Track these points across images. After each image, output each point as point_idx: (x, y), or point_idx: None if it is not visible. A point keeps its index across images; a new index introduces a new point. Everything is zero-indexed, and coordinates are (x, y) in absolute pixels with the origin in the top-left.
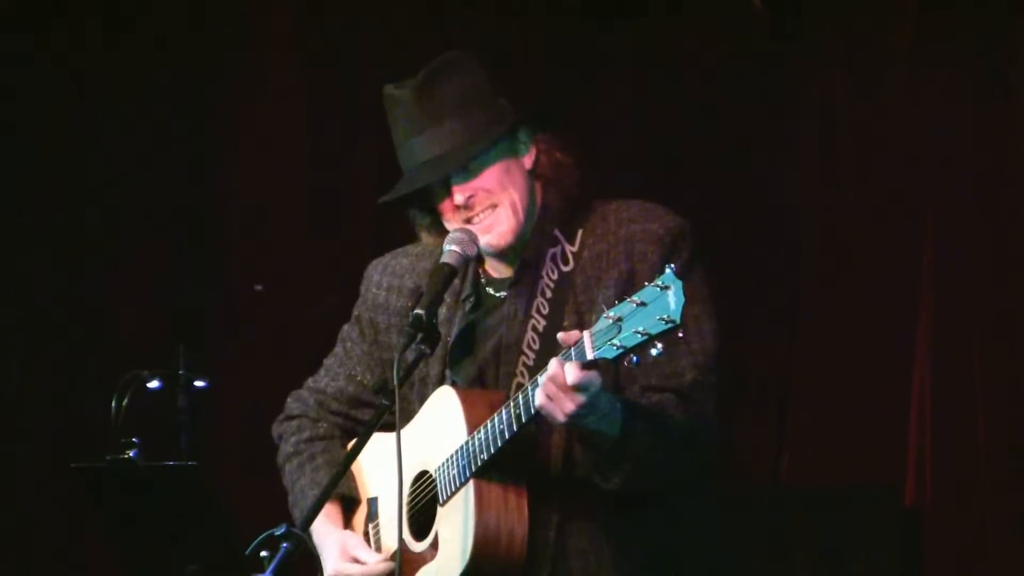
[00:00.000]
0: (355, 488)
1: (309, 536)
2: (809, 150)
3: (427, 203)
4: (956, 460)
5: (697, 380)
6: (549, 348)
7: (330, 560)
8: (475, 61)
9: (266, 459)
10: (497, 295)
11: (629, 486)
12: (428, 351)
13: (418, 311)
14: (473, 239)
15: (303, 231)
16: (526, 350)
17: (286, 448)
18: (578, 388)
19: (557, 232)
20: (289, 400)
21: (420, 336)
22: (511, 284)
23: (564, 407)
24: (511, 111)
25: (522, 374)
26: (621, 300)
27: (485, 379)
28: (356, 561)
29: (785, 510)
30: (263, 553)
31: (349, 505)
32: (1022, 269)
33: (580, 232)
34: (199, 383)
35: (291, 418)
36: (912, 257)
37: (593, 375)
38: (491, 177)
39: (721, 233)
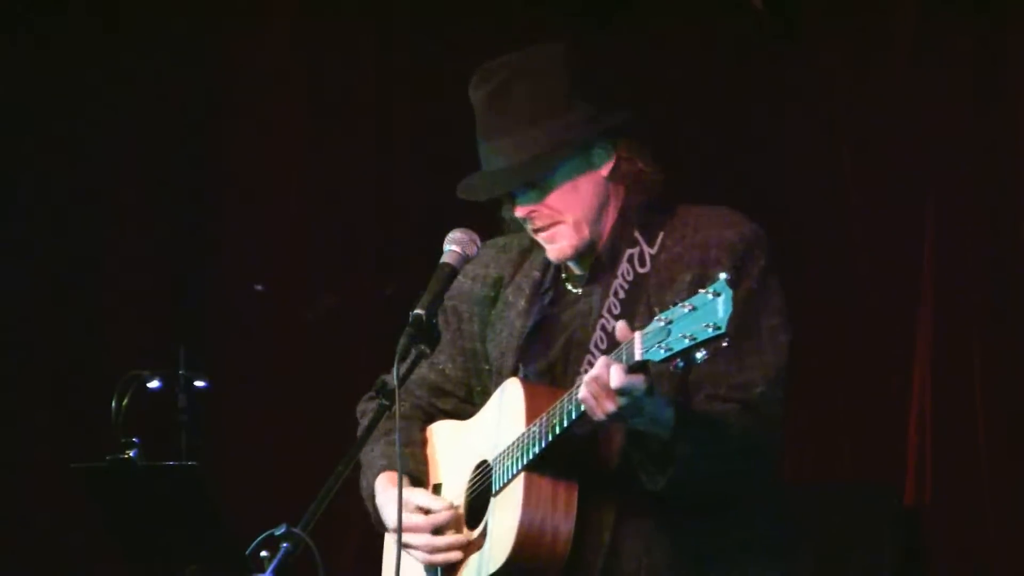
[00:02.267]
0: (424, 472)
1: (310, 536)
2: (809, 150)
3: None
4: (956, 460)
5: (765, 393)
6: (617, 347)
7: (392, 513)
8: (561, 55)
9: (266, 459)
10: (575, 291)
11: (674, 489)
12: (427, 351)
13: (418, 311)
14: (473, 239)
15: (303, 230)
16: (594, 349)
17: (365, 423)
18: (620, 391)
19: (637, 234)
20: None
21: (419, 336)
22: (586, 282)
23: (604, 407)
24: (588, 121)
25: (586, 371)
26: (675, 303)
27: (554, 374)
28: (420, 510)
29: (785, 510)
30: (263, 553)
31: (416, 483)
32: (1022, 269)
33: (660, 235)
34: (199, 383)
35: (373, 398)
36: (912, 257)
37: (637, 379)
38: (555, 196)
39: None
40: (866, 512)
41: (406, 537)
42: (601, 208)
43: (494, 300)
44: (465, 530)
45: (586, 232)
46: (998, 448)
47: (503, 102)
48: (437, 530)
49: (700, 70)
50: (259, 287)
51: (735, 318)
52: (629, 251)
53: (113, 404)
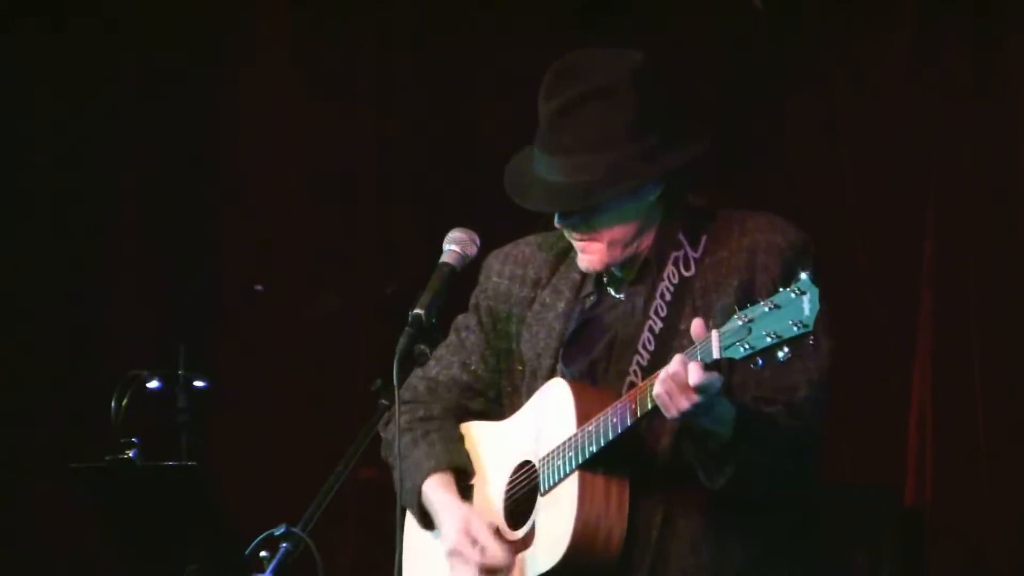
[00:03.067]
0: (471, 467)
1: (310, 536)
2: (809, 149)
3: None
4: (956, 460)
5: (808, 396)
6: (664, 348)
7: (451, 529)
8: (633, 74)
9: (266, 459)
10: (617, 296)
11: (732, 487)
12: (427, 351)
13: (417, 311)
14: (473, 239)
15: (303, 231)
16: (641, 350)
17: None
18: (698, 389)
19: (682, 236)
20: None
21: (420, 336)
22: (631, 283)
23: (680, 404)
24: (648, 158)
25: (635, 373)
26: (754, 302)
27: (595, 374)
28: (476, 542)
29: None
30: (263, 553)
31: (462, 478)
32: (1022, 269)
33: (704, 238)
34: (199, 383)
35: (403, 403)
36: (912, 257)
37: (715, 376)
38: (599, 220)
39: None
40: (866, 512)
41: (457, 561)
42: (641, 229)
43: (531, 301)
44: (508, 530)
45: (618, 252)
46: (998, 448)
47: (570, 120)
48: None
49: (700, 70)
50: (259, 287)
51: (820, 316)
52: (675, 253)
53: (113, 404)
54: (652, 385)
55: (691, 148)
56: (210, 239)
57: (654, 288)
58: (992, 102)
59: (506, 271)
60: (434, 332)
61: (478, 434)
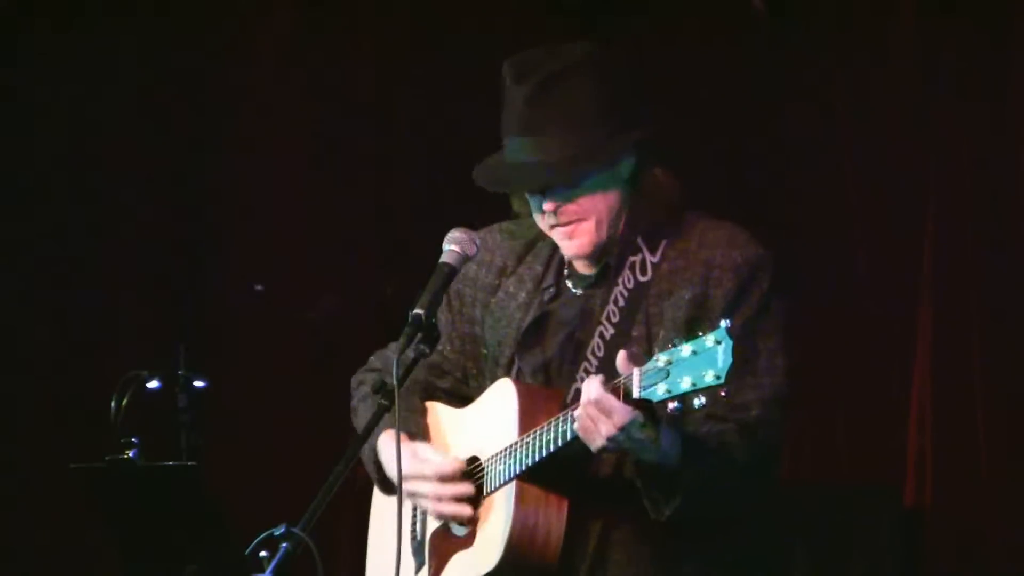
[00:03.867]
0: (426, 437)
1: (310, 536)
2: (809, 148)
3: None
4: (956, 460)
5: (761, 416)
6: (612, 356)
7: (402, 463)
8: (598, 57)
9: (266, 459)
10: (575, 291)
11: (679, 516)
12: (427, 351)
13: (417, 310)
14: (472, 238)
15: (303, 231)
16: (590, 356)
17: (363, 390)
18: (620, 427)
19: (640, 240)
20: (372, 357)
21: (420, 336)
22: (590, 285)
23: (600, 437)
24: (623, 132)
25: (581, 379)
26: (676, 343)
27: (550, 371)
28: (426, 461)
29: (785, 509)
30: (263, 553)
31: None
32: (1022, 269)
33: (664, 243)
34: (199, 383)
35: (371, 370)
36: (912, 257)
37: (635, 415)
38: (585, 198)
39: None
40: (866, 512)
41: (413, 485)
42: (619, 212)
43: (496, 288)
44: (455, 526)
45: (604, 233)
46: (998, 448)
47: (546, 99)
48: (445, 479)
49: (700, 69)
50: (259, 287)
51: (736, 364)
52: (632, 258)
53: (113, 404)
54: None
55: (660, 123)
56: (210, 239)
57: (609, 293)
58: (992, 102)
59: (476, 255)
60: (434, 332)
61: (440, 417)
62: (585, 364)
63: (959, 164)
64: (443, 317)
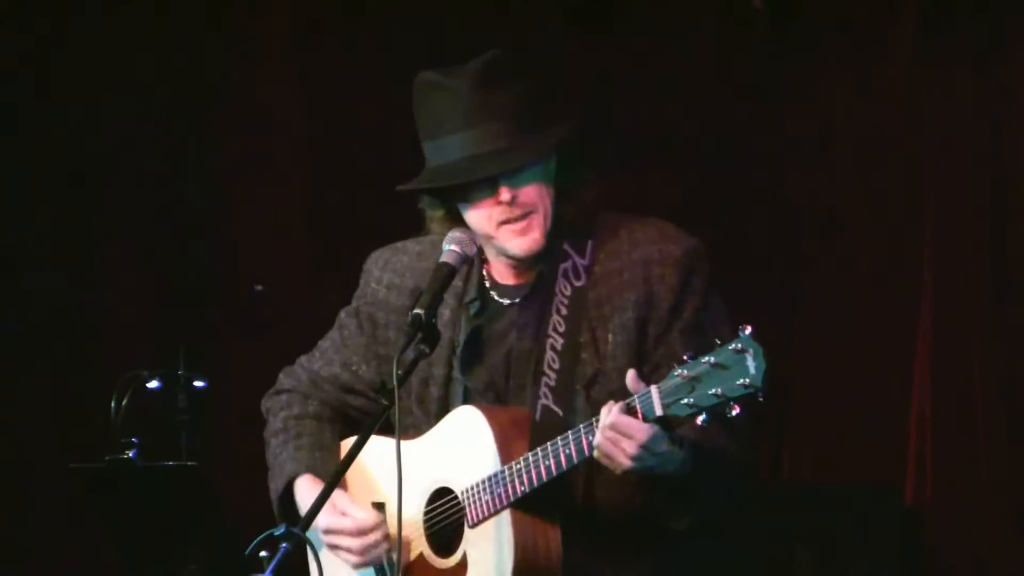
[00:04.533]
0: (351, 481)
1: (308, 538)
2: (809, 149)
3: (451, 196)
4: (956, 460)
5: (741, 413)
6: (569, 365)
7: (321, 516)
8: (514, 61)
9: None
10: (501, 301)
11: (695, 521)
12: (427, 351)
13: (417, 311)
14: (472, 238)
15: (303, 231)
16: (547, 370)
17: (275, 423)
18: (644, 446)
19: (567, 246)
20: (281, 376)
21: (419, 336)
22: (523, 297)
23: (628, 451)
24: (555, 124)
25: (545, 395)
26: (692, 357)
27: (496, 387)
28: (344, 515)
29: (785, 509)
30: (263, 553)
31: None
32: (1022, 269)
33: (589, 244)
34: (199, 383)
35: (280, 392)
36: (912, 257)
37: (659, 433)
38: (533, 183)
39: (720, 232)
40: (866, 512)
41: (334, 539)
42: (553, 206)
43: (410, 310)
44: (436, 558)
45: (549, 226)
46: (998, 448)
47: (489, 94)
48: (366, 533)
49: (700, 70)
50: (259, 287)
51: (768, 372)
52: (563, 265)
53: (113, 404)
54: (584, 428)
55: (579, 124)
56: (210, 239)
57: (548, 303)
58: (992, 103)
59: (384, 279)
60: (434, 332)
61: (382, 450)
62: (544, 379)
63: (959, 164)
64: (355, 341)
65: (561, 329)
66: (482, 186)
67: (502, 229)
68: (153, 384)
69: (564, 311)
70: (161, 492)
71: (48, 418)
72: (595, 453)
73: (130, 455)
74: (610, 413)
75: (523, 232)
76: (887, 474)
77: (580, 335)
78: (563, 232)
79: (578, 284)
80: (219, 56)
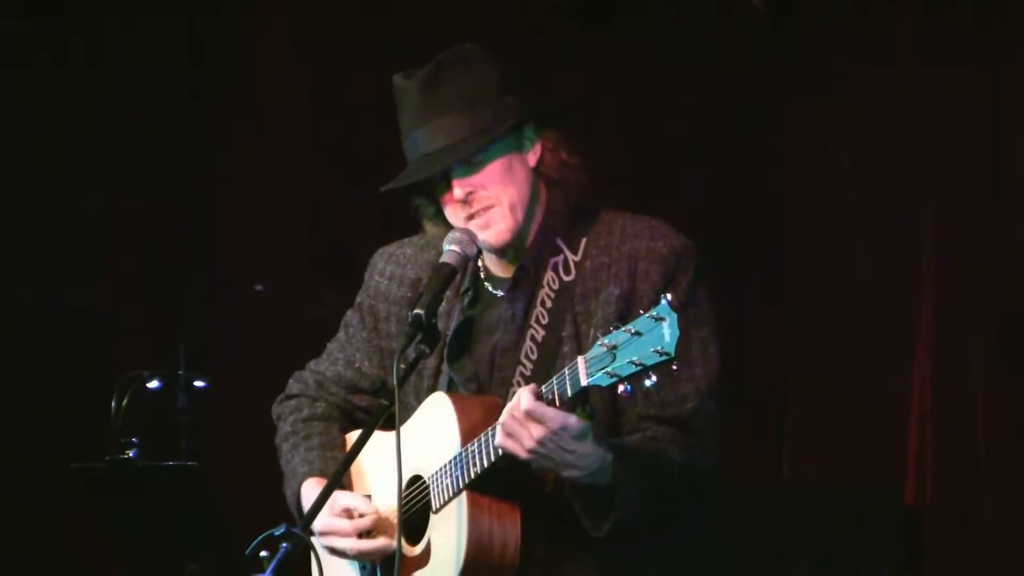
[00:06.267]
0: (347, 476)
1: (309, 537)
2: (809, 149)
3: (432, 193)
4: (956, 460)
5: (697, 408)
6: (548, 357)
7: (320, 516)
8: (486, 55)
9: (266, 459)
10: (495, 292)
11: (619, 532)
12: (428, 351)
13: (418, 311)
14: (473, 238)
15: (303, 230)
16: (524, 360)
17: (284, 428)
18: (532, 416)
19: (560, 241)
20: (291, 380)
21: (420, 336)
22: (510, 288)
23: (525, 443)
24: (517, 107)
25: (519, 384)
26: (616, 327)
27: (480, 378)
28: (345, 512)
29: (785, 509)
30: (263, 553)
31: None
32: (1022, 269)
33: (584, 241)
34: (199, 383)
35: (290, 397)
36: (912, 257)
37: (570, 419)
38: (492, 174)
39: (720, 233)
40: (866, 512)
41: (331, 540)
42: (532, 199)
43: (411, 301)
44: (407, 546)
45: (520, 216)
46: (998, 448)
47: (435, 90)
48: (364, 534)
49: (700, 70)
50: (259, 287)
51: (682, 341)
52: (553, 259)
53: (113, 404)
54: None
55: (558, 106)
56: (210, 239)
57: (534, 295)
58: (992, 103)
59: (387, 271)
60: (434, 332)
61: (380, 444)
62: (520, 368)
63: (959, 164)
64: (358, 336)
65: (544, 322)
66: (440, 183)
67: (471, 223)
68: (153, 384)
69: (548, 304)
70: (161, 492)
71: (48, 418)
72: (497, 439)
73: (130, 455)
74: (525, 399)
75: (486, 226)
76: (887, 474)
77: (563, 329)
78: (555, 225)
79: (567, 279)
80: (219, 56)
